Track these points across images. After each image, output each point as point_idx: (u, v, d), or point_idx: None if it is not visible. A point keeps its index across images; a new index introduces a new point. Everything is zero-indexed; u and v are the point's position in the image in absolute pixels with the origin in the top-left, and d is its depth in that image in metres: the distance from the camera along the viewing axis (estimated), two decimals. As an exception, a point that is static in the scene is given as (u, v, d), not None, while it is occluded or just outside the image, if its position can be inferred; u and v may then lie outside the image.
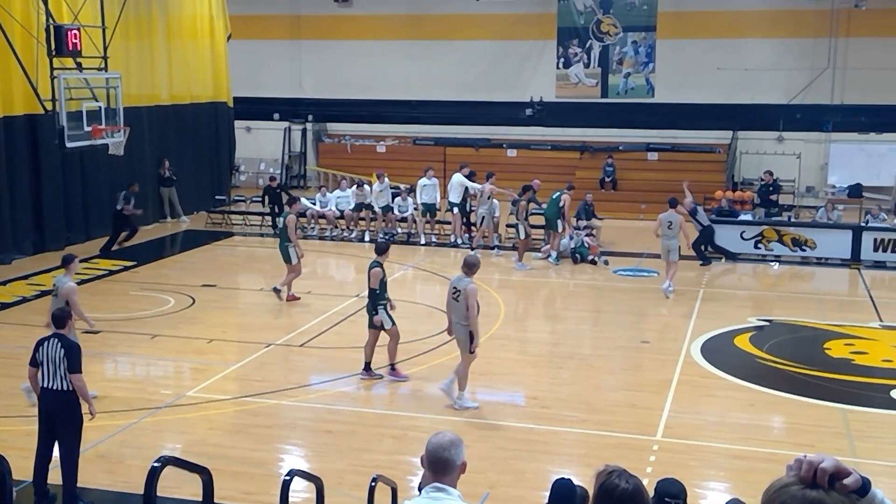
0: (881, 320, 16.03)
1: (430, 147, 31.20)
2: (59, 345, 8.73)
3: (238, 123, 29.88)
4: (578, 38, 30.05)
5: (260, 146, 32.82)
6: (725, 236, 21.22)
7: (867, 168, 28.04)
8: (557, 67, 30.41)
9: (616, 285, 18.80)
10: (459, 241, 22.40)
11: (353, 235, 23.39)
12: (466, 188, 22.27)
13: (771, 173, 23.77)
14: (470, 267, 11.39)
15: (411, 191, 24.10)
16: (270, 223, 23.88)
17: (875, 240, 20.51)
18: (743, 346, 14.24)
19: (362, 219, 23.51)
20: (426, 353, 13.66)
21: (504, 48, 30.56)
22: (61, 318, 9.09)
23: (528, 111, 30.47)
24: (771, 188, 23.63)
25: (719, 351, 13.99)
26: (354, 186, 24.02)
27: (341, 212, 23.58)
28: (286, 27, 32.20)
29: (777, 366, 13.27)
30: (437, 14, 30.80)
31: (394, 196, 23.64)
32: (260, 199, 24.52)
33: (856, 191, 27.28)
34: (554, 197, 20.49)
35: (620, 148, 29.39)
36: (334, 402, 11.56)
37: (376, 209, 23.23)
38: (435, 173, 23.69)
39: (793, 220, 22.80)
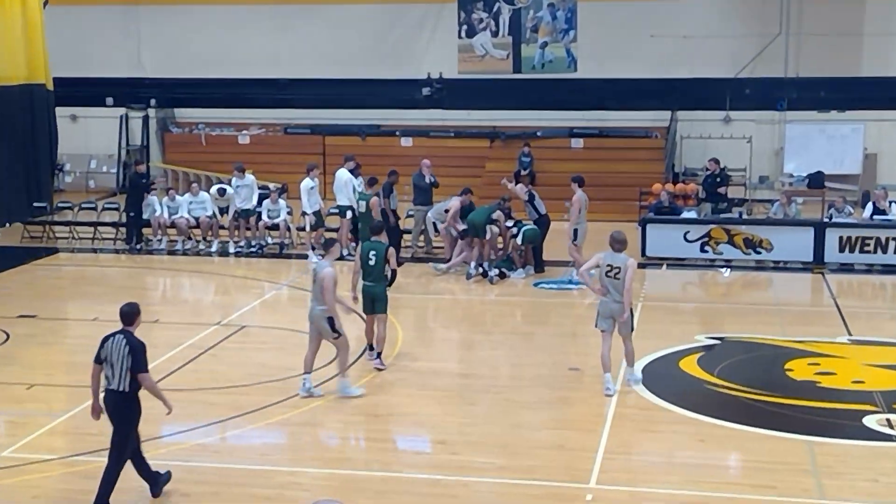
0: (850, 334, 16.44)
1: (306, 137, 31.04)
2: (125, 343, 9.75)
3: (60, 111, 29.02)
4: (484, 1, 30.34)
5: (90, 139, 32.13)
6: (666, 238, 21.67)
7: (829, 153, 28.90)
8: (459, 37, 30.65)
9: (538, 301, 18.94)
10: (346, 252, 22.33)
11: (212, 248, 23.13)
12: (354, 187, 22.24)
13: (717, 161, 24.29)
14: (622, 242, 13.33)
15: (283, 191, 23.90)
16: (125, 235, 23.40)
17: (840, 238, 21.10)
18: (690, 370, 14.44)
19: (223, 227, 23.27)
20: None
21: (393, 13, 30.65)
22: (129, 314, 10.01)
23: (425, 91, 30.59)
24: (718, 179, 24.15)
25: (662, 377, 14.15)
26: (214, 189, 23.72)
27: (196, 219, 23.29)
28: (119, -12, 31.71)
29: (730, 392, 13.48)
30: (309, -29, 30.80)
31: (261, 198, 23.46)
32: (123, 190, 24.01)
33: (817, 180, 28.16)
34: (486, 207, 20.73)
35: (539, 134, 29.71)
36: (191, 457, 11.36)
37: (231, 210, 23.01)
38: (319, 171, 23.66)
39: (744, 216, 23.34)
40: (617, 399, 13.19)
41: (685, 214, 22.64)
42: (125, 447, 9.91)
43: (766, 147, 29.47)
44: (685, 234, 21.64)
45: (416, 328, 17.37)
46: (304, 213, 22.38)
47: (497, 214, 20.45)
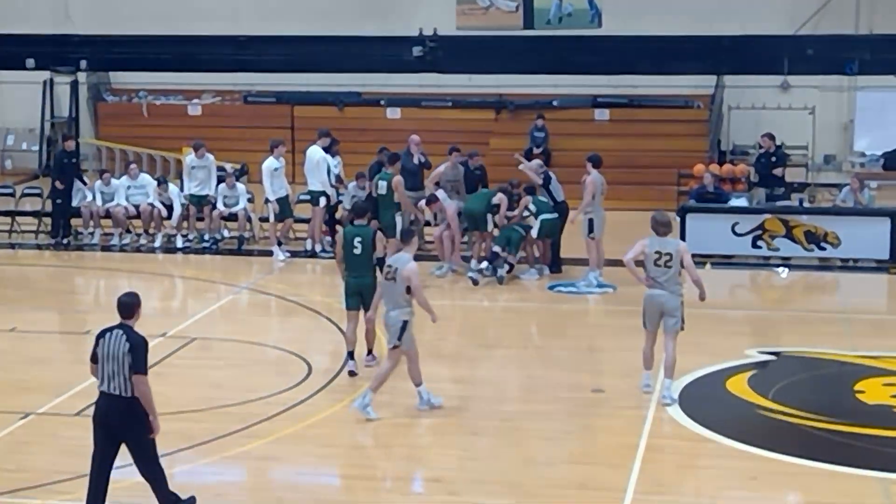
0: (935, 348, 16.52)
1: (270, 107, 31.07)
2: (125, 339, 9.95)
3: (-32, 75, 29.21)
4: (488, -60, 30.38)
5: (6, 109, 32.14)
6: (710, 231, 21.70)
7: (910, 127, 29.03)
8: (458, -16, 30.68)
9: (553, 308, 19.01)
10: (319, 247, 22.37)
11: (156, 243, 23.14)
12: (330, 168, 22.27)
13: (773, 137, 24.21)
14: (667, 225, 13.97)
15: (242, 173, 23.93)
16: (50, 227, 23.37)
17: (924, 231, 21.16)
18: (739, 392, 14.47)
19: (168, 218, 23.31)
20: (270, 418, 13.56)
21: (378, -45, 30.68)
22: (129, 305, 10.29)
23: (417, 50, 30.52)
24: (773, 159, 24.04)
25: (705, 400, 14.19)
26: (156, 184, 23.73)
27: (136, 208, 23.30)
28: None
29: (788, 419, 13.50)
30: None
31: (218, 182, 23.50)
32: (47, 172, 24.03)
33: (894, 160, 28.20)
34: (485, 192, 20.84)
35: (555, 104, 29.72)
36: (132, 498, 11.38)
37: (181, 196, 23.01)
38: (286, 149, 23.66)
39: (806, 204, 23.39)
40: (650, 427, 13.20)
41: (733, 202, 22.71)
42: (155, 454, 10.20)
43: (832, 120, 29.48)
44: (733, 225, 21.71)
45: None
46: (267, 201, 22.40)
47: (499, 198, 20.43)
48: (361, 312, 15.01)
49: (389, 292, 13.55)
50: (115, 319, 16.26)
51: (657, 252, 13.78)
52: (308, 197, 22.57)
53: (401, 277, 13.33)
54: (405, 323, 13.42)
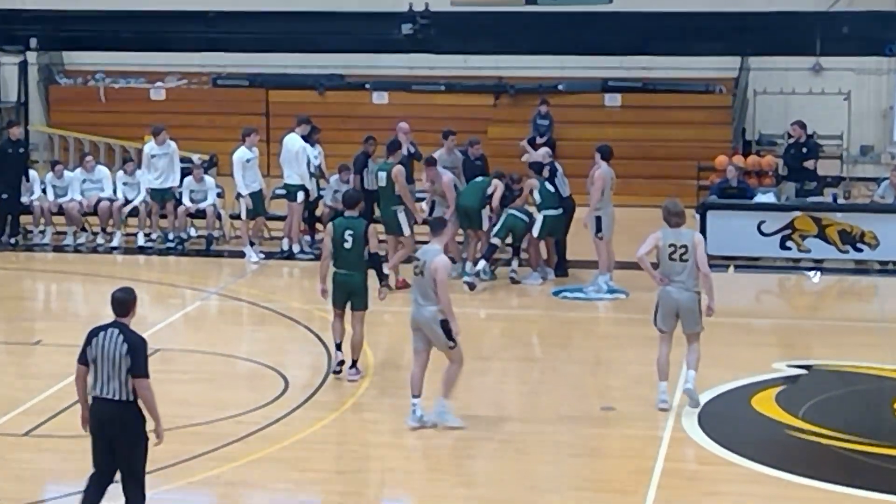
0: (983, 361, 16.50)
1: (242, 90, 31.08)
2: (122, 339, 10.02)
3: None
4: None
5: (-55, 93, 32.06)
6: (734, 230, 21.69)
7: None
8: (453, -46, 30.60)
9: (558, 316, 19.00)
10: (296, 248, 22.32)
11: (114, 243, 23.14)
12: (309, 159, 22.23)
13: (804, 126, 24.22)
14: (680, 214, 14.12)
15: (211, 165, 23.88)
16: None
17: (971, 231, 21.19)
18: (766, 410, 14.45)
19: (133, 215, 23.27)
20: (242, 439, 13.51)
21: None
22: (124, 301, 10.33)
23: (406, 28, 30.49)
24: (805, 150, 24.06)
25: (729, 419, 14.20)
26: (122, 170, 23.65)
27: (95, 204, 23.28)
28: None
29: (820, 440, 13.46)
30: None
31: (182, 175, 23.43)
32: None
33: (939, 152, 28.25)
34: (478, 181, 20.77)
35: (561, 88, 29.70)
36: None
37: (140, 192, 22.98)
38: (260, 138, 23.60)
39: (841, 201, 23.39)
40: (666, 449, 13.16)
41: (760, 198, 22.70)
42: (143, 473, 10.35)
43: (870, 106, 29.48)
44: (760, 224, 21.71)
45: (392, 352, 17.28)
46: (238, 195, 22.35)
47: (494, 184, 20.35)
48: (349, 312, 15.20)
49: (420, 287, 13.60)
50: (68, 328, 16.30)
51: (671, 245, 13.92)
52: (284, 191, 22.48)
53: (429, 271, 13.40)
54: (444, 322, 13.54)
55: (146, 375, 10.09)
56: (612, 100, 29.58)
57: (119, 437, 10.19)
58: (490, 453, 13.34)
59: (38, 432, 13.84)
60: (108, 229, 23.29)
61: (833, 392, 15.24)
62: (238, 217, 22.73)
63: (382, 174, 19.99)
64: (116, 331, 10.11)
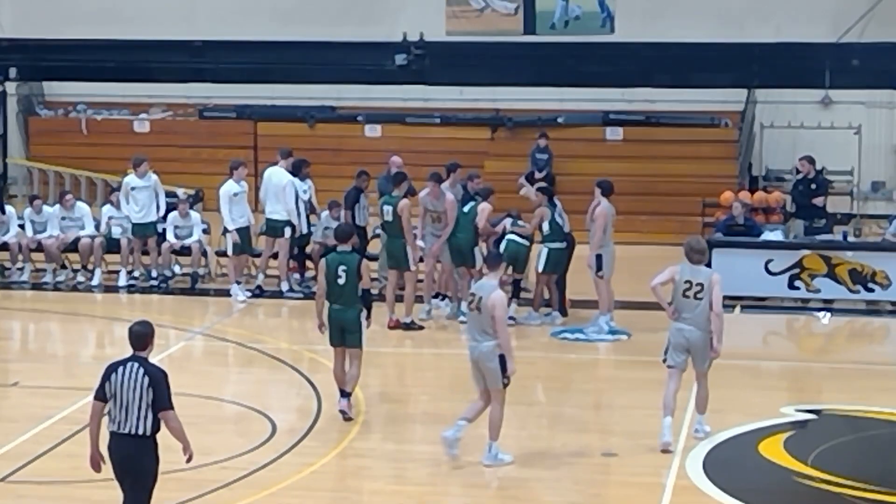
0: None
1: (230, 122, 31.06)
2: (143, 372, 10.35)
3: None
4: (484, -66, 30.41)
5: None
6: (740, 268, 21.46)
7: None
8: (448, -17, 30.66)
9: (557, 359, 18.87)
10: (285, 286, 22.17)
11: (94, 281, 23.04)
12: (298, 194, 22.10)
13: (812, 161, 24.16)
14: (702, 252, 14.44)
15: (197, 200, 23.72)
16: None
17: None
18: (773, 457, 14.34)
19: (113, 251, 23.12)
20: (228, 485, 13.42)
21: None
22: (142, 335, 10.67)
23: (400, 59, 30.47)
24: (813, 186, 24.02)
25: (734, 465, 14.16)
26: (108, 203, 23.51)
27: (75, 241, 23.11)
28: None
29: (831, 488, 13.36)
30: None
31: (169, 209, 23.27)
32: None
33: (952, 188, 28.20)
34: (466, 213, 20.55)
35: (560, 121, 29.64)
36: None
37: (121, 227, 22.76)
38: (248, 171, 23.45)
39: (851, 238, 23.34)
40: (670, 497, 13.11)
41: (767, 235, 22.67)
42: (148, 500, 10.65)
43: (881, 141, 29.51)
44: (767, 263, 21.62)
45: (382, 396, 17.31)
46: (225, 231, 22.17)
47: (480, 207, 20.16)
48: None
49: (476, 323, 13.80)
50: (46, 370, 16.15)
51: (687, 281, 14.08)
52: (266, 229, 22.27)
53: (486, 307, 13.50)
54: (502, 357, 13.65)
55: (171, 407, 10.38)
56: (614, 133, 29.55)
57: (132, 471, 10.48)
58: (487, 500, 13.37)
59: (14, 478, 13.71)
60: (89, 266, 23.13)
61: (843, 438, 15.20)
62: (225, 254, 22.59)
63: (388, 208, 20.01)
64: (136, 364, 10.42)
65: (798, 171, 24.69)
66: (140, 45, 30.87)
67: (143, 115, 31.49)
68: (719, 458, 14.20)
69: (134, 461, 10.47)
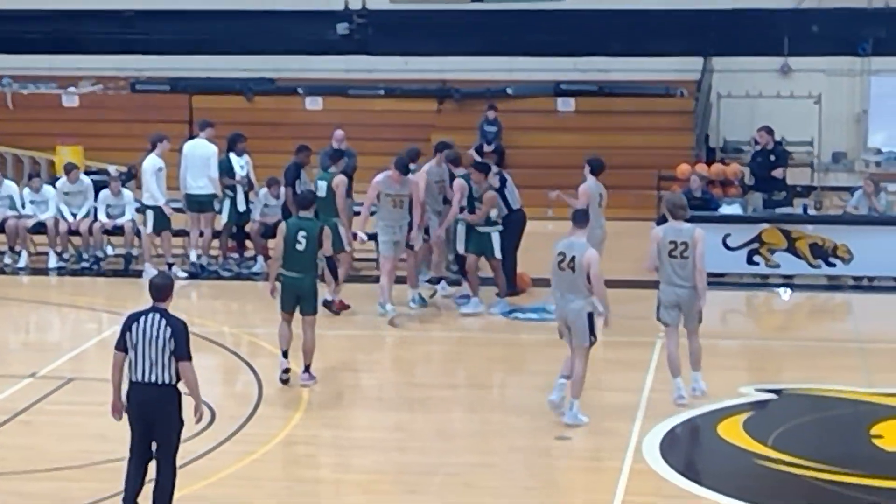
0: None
1: (163, 96, 30.91)
2: (164, 323, 11.02)
3: None
4: None
5: None
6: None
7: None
8: (392, -52, 30.70)
9: (510, 339, 19.00)
10: (227, 271, 22.22)
11: (20, 263, 23.02)
12: (230, 169, 22.17)
13: (771, 131, 24.30)
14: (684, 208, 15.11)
15: (129, 177, 23.71)
16: None
17: (951, 243, 21.28)
18: (732, 438, 14.48)
19: (41, 232, 23.11)
20: None
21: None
22: (164, 287, 11.37)
23: (342, 27, 30.54)
24: (772, 157, 24.17)
25: (692, 448, 14.41)
26: (27, 187, 23.49)
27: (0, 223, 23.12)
28: None
29: (792, 469, 13.48)
30: None
31: (99, 188, 23.30)
32: None
33: (916, 159, 28.44)
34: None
35: (510, 92, 29.70)
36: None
37: (49, 208, 22.79)
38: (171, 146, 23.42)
39: (811, 212, 23.51)
40: (626, 483, 13.13)
41: (725, 209, 22.85)
42: (176, 454, 11.39)
43: (842, 110, 29.67)
44: (725, 237, 21.78)
45: (329, 380, 17.15)
46: (146, 208, 22.17)
47: (457, 185, 19.99)
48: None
49: (567, 282, 14.26)
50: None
51: (672, 242, 14.67)
52: (188, 203, 22.23)
53: (580, 266, 14.00)
54: (591, 315, 14.18)
55: (190, 358, 11.09)
56: (566, 104, 29.59)
57: (160, 420, 11.18)
58: (435, 488, 13.28)
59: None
60: (16, 248, 23.03)
61: (805, 418, 15.31)
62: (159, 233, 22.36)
63: (322, 184, 19.99)
64: (158, 315, 11.10)
65: (756, 143, 24.69)
66: (68, 15, 30.90)
67: (71, 89, 31.30)
68: (677, 441, 14.30)
69: (160, 409, 11.13)
